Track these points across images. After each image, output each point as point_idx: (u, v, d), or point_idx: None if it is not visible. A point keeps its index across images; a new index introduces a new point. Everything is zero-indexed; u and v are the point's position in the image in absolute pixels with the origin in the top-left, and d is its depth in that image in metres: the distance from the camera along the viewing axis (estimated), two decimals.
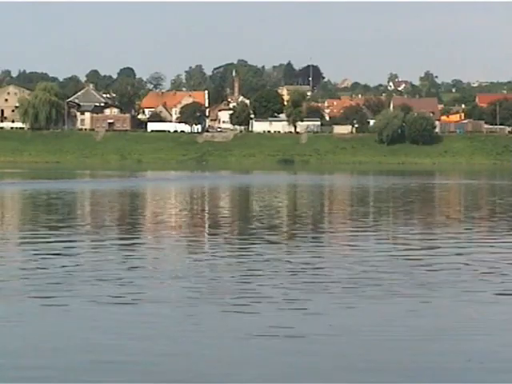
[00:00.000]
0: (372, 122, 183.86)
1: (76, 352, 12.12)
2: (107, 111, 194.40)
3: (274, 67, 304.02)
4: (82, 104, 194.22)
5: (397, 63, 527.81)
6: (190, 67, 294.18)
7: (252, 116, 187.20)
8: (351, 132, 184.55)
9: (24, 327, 13.86)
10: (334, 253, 24.26)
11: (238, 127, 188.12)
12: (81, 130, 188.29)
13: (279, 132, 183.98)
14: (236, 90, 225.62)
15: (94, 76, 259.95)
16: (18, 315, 14.66)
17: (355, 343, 12.81)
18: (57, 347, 12.47)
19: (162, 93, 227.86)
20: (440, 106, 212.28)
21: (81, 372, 11.07)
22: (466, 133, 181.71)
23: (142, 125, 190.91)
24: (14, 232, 32.03)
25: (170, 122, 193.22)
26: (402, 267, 20.76)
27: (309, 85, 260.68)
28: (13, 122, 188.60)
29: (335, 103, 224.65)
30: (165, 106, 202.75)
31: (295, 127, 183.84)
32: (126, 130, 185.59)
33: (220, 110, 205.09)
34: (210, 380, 10.86)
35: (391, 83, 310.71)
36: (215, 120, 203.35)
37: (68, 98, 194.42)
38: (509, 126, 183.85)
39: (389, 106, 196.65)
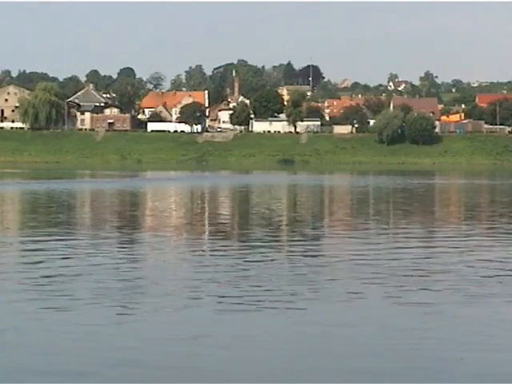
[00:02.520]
0: (372, 122, 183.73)
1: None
2: (107, 111, 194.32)
3: (274, 67, 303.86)
4: (81, 104, 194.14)
5: (397, 63, 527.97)
6: (190, 67, 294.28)
7: (252, 116, 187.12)
8: (351, 132, 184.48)
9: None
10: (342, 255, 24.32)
11: (237, 127, 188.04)
12: (81, 129, 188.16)
13: (279, 132, 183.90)
14: (236, 89, 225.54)
15: (93, 76, 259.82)
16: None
17: None
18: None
19: (162, 93, 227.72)
20: (440, 106, 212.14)
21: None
22: (466, 133, 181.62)
23: (142, 125, 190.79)
24: (13, 233, 32.09)
25: (170, 121, 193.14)
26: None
27: (309, 85, 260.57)
28: (13, 122, 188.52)
29: (335, 103, 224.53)
30: (165, 106, 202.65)
31: (295, 127, 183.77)
32: (126, 130, 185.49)
33: (220, 110, 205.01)
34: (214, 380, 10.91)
35: (391, 83, 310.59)
36: (215, 120, 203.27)
37: (68, 97, 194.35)
38: (509, 125, 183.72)
39: (389, 105, 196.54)
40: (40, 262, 21.70)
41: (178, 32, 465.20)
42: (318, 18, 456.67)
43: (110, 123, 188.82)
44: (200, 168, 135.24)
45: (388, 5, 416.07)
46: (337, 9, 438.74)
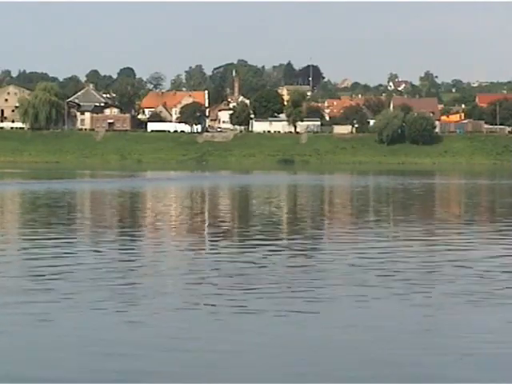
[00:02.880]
0: (372, 121, 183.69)
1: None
2: (107, 111, 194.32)
3: (274, 67, 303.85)
4: (82, 104, 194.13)
5: (397, 63, 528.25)
6: (190, 67, 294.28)
7: (252, 116, 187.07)
8: (351, 132, 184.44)
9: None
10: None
11: (237, 127, 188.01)
12: (81, 130, 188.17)
13: (279, 132, 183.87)
14: (236, 89, 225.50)
15: (93, 76, 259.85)
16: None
17: None
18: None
19: (162, 93, 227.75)
20: (440, 106, 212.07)
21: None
22: (466, 133, 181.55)
23: (142, 125, 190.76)
24: (15, 233, 32.02)
25: (170, 122, 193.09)
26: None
27: (309, 85, 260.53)
28: (13, 122, 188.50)
29: (335, 103, 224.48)
30: (165, 105, 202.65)
31: (295, 127, 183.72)
32: (126, 130, 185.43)
33: (220, 110, 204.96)
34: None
35: (391, 83, 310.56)
36: (215, 120, 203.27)
37: (68, 97, 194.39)
38: (509, 125, 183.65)
39: (389, 106, 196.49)
40: (34, 260, 21.63)
41: (178, 32, 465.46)
42: (318, 18, 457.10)
43: (109, 123, 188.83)
44: (200, 168, 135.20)
45: (388, 5, 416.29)
46: (337, 9, 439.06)
